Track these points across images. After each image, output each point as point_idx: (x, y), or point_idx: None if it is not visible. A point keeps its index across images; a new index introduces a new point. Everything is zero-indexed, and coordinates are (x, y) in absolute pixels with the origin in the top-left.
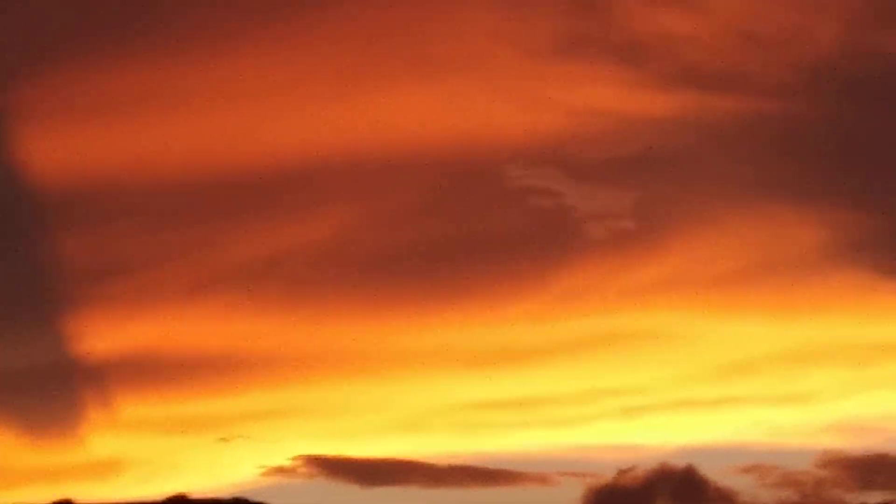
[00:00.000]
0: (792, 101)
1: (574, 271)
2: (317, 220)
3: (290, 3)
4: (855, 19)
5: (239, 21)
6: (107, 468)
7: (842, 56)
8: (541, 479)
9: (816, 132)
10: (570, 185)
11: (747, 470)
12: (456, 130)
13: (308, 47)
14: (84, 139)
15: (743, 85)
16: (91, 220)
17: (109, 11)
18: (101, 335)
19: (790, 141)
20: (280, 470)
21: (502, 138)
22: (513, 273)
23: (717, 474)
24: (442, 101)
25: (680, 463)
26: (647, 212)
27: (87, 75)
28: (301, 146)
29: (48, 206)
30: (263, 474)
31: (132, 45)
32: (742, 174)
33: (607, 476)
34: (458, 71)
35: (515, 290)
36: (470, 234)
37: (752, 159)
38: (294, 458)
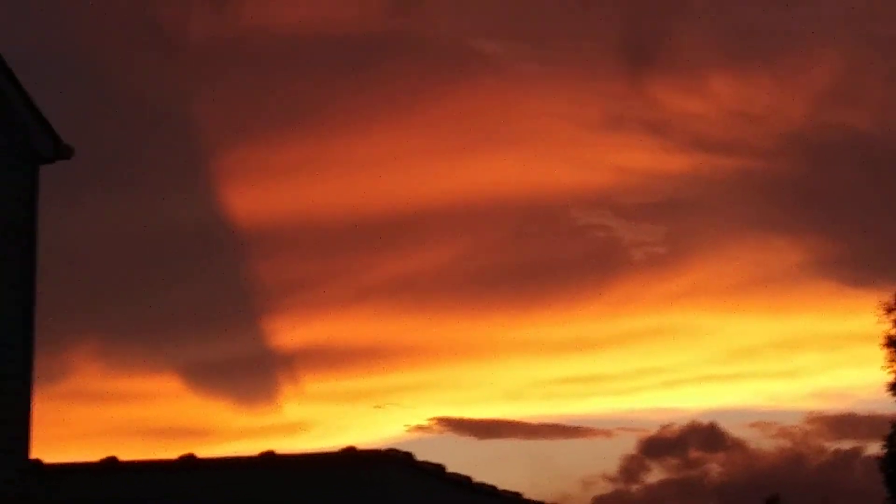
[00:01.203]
0: (774, 161)
1: (622, 284)
2: (435, 251)
3: (415, 97)
4: (820, 100)
5: (375, 108)
6: (297, 428)
7: (811, 127)
8: (605, 433)
9: (793, 183)
10: (617, 222)
11: (754, 426)
12: (531, 185)
13: (425, 127)
14: (273, 190)
15: (738, 149)
16: (279, 250)
17: (290, 101)
18: (290, 333)
19: (774, 190)
20: (420, 428)
21: (565, 190)
22: (578, 286)
23: (732, 429)
24: (519, 163)
25: (705, 421)
26: (674, 241)
27: (275, 146)
28: (422, 196)
29: (248, 240)
30: (408, 431)
31: (305, 125)
32: (740, 213)
33: (652, 431)
34: (531, 142)
35: (581, 299)
36: (545, 259)
37: (747, 203)
38: (430, 419)
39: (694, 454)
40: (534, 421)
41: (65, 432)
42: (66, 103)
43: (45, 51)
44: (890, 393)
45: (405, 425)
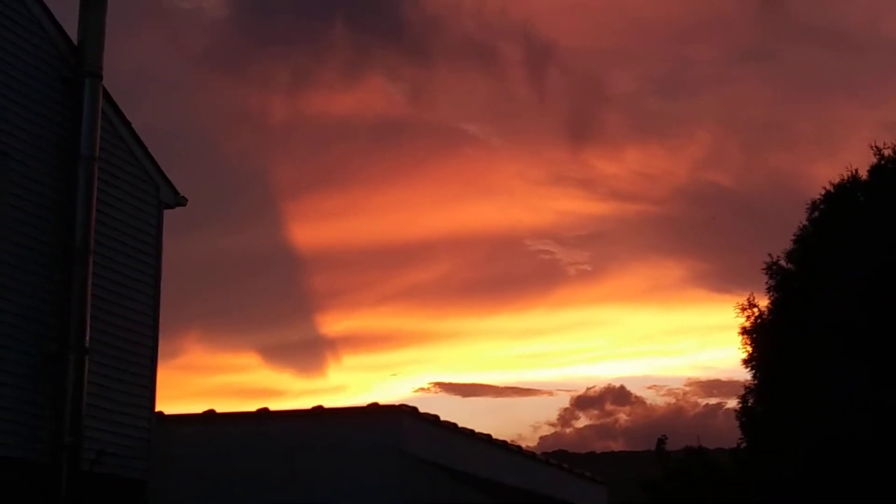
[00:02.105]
0: (666, 206)
1: (560, 291)
2: (432, 269)
3: (418, 163)
4: (696, 164)
5: (394, 173)
6: (337, 390)
7: (690, 183)
8: (548, 393)
9: (678, 221)
10: (558, 249)
11: (650, 388)
12: (497, 224)
13: (426, 185)
14: (323, 227)
15: (641, 198)
16: (327, 267)
17: (335, 164)
18: (335, 324)
19: (665, 226)
20: (422, 389)
21: (521, 227)
22: (530, 293)
23: (635, 390)
24: (489, 208)
25: (617, 385)
26: (597, 261)
27: (325, 195)
28: (424, 231)
29: (307, 261)
30: (413, 392)
31: (343, 181)
32: (642, 242)
33: (580, 391)
34: (498, 194)
35: (532, 301)
36: (507, 274)
37: (647, 235)
38: (429, 383)
39: (609, 408)
40: (500, 384)
41: (179, 392)
42: (184, 166)
43: (168, 126)
44: (744, 366)
45: (412, 387)
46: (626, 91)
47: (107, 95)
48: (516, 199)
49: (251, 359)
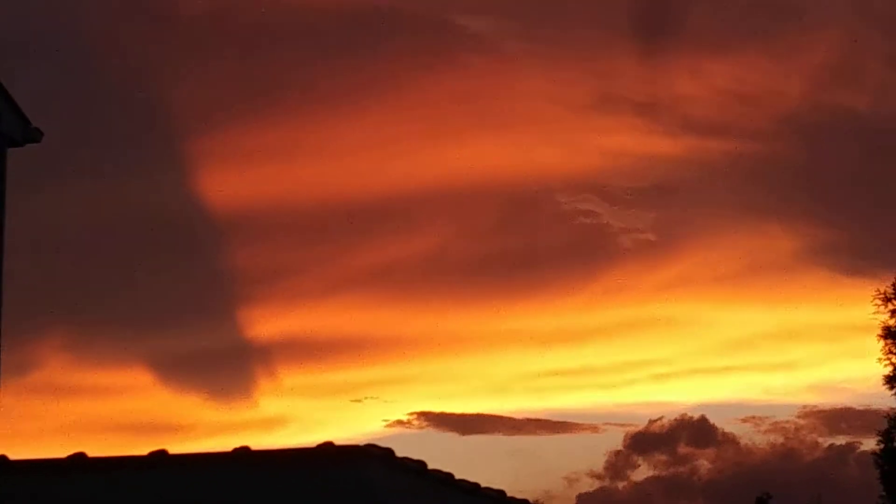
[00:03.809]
0: (767, 142)
1: (610, 273)
2: (417, 238)
3: (395, 76)
4: (817, 79)
5: (359, 91)
6: (272, 423)
7: (805, 108)
8: (592, 428)
9: (787, 167)
10: (605, 208)
11: (746, 420)
12: (518, 169)
13: (409, 109)
14: (249, 175)
15: (730, 131)
16: (253, 237)
17: (268, 81)
18: (265, 324)
19: (767, 173)
20: (399, 423)
21: (552, 174)
22: (565, 275)
23: (723, 423)
24: (506, 146)
25: (696, 415)
26: (663, 227)
27: (252, 128)
28: (404, 182)
29: (222, 227)
30: (387, 426)
31: (283, 106)
32: (733, 199)
33: (640, 425)
34: (517, 124)
35: (568, 288)
36: (531, 245)
37: (740, 188)
38: (409, 414)
39: (683, 450)
40: (518, 415)
41: (32, 427)
42: (36, 84)
43: (12, 29)
44: (887, 386)
45: (384, 420)
46: None
47: None
48: (543, 132)
49: (140, 376)
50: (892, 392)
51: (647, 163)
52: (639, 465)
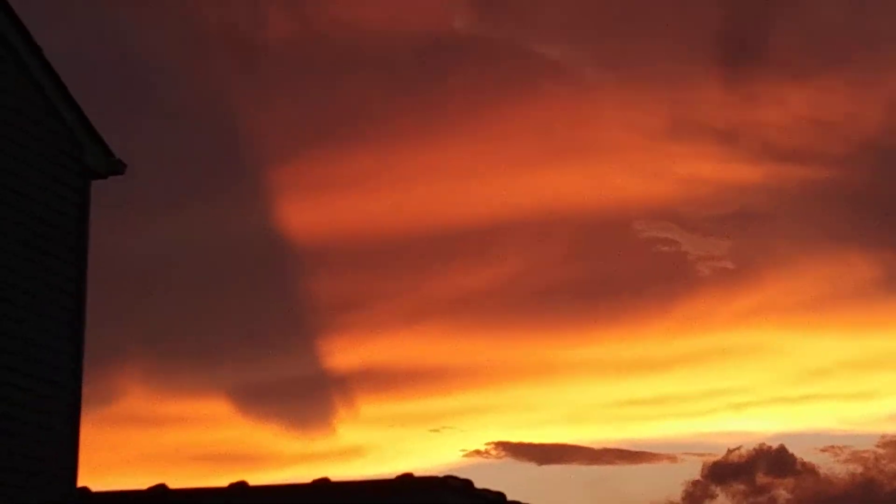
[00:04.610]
0: (846, 169)
1: (688, 301)
2: (495, 267)
3: (473, 106)
4: (893, 107)
5: (436, 120)
6: (352, 454)
7: (884, 134)
8: (670, 457)
9: (866, 193)
10: (683, 236)
11: (825, 450)
12: (595, 197)
13: (486, 139)
14: (328, 205)
15: (810, 157)
16: (332, 267)
17: (347, 111)
18: (346, 353)
19: (847, 200)
20: (477, 452)
21: (630, 201)
22: (643, 303)
23: (802, 453)
24: (583, 175)
25: (774, 444)
26: (742, 255)
27: (332, 158)
28: (481, 212)
29: (302, 257)
30: (465, 456)
31: (362, 136)
32: (812, 225)
33: (719, 455)
34: (595, 151)
35: (646, 316)
36: (608, 274)
37: (820, 214)
38: (488, 444)
39: (762, 480)
40: (596, 445)
41: (113, 458)
42: (121, 116)
43: (98, 61)
44: None
45: (462, 450)
46: None
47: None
48: (620, 160)
49: (220, 406)
50: None
51: (725, 190)
52: (717, 496)
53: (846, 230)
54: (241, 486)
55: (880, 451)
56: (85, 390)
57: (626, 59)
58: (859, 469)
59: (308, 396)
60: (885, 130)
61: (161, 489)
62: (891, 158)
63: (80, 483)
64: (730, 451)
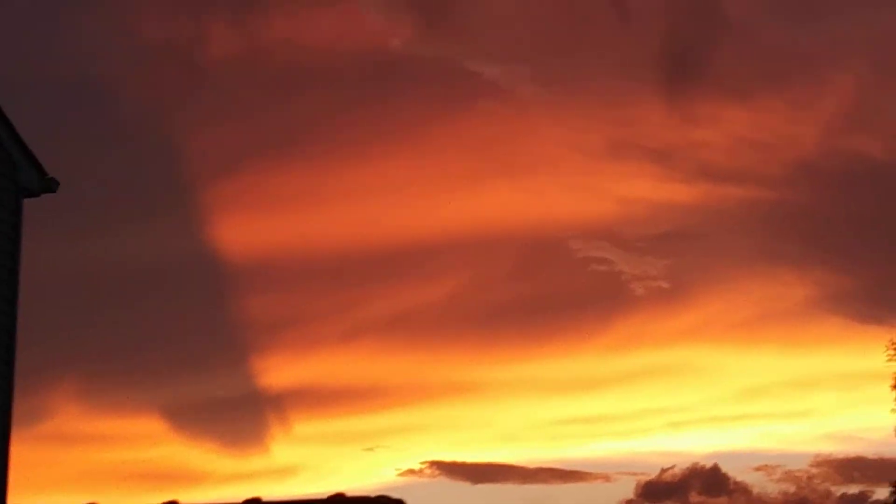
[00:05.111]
0: (782, 189)
1: (624, 320)
2: (432, 286)
3: (412, 124)
4: (832, 126)
5: (375, 137)
6: (285, 473)
7: (820, 154)
8: (604, 477)
9: (801, 213)
10: (619, 255)
11: (758, 469)
12: (533, 216)
13: (426, 156)
14: (265, 222)
15: (745, 178)
16: (269, 284)
17: (286, 127)
18: (280, 372)
19: (782, 220)
20: (411, 472)
21: (567, 220)
22: (578, 322)
23: (736, 472)
24: (521, 193)
25: (708, 463)
26: (677, 274)
27: (269, 175)
28: (418, 229)
29: (237, 274)
30: (399, 475)
31: (301, 153)
32: (747, 245)
33: (653, 474)
34: (532, 171)
35: (581, 335)
36: (544, 293)
37: (755, 234)
38: (422, 463)
39: (695, 499)
40: (531, 465)
41: (45, 476)
42: (58, 134)
43: (34, 79)
44: None
45: (396, 469)
46: (730, 15)
47: None
48: (558, 178)
49: (153, 425)
50: None
51: (661, 210)
52: None
53: (781, 250)
54: None
55: (813, 470)
56: (16, 408)
57: (565, 79)
58: (792, 488)
59: (242, 415)
60: (820, 152)
61: None
62: (826, 179)
63: (10, 502)
64: (663, 471)
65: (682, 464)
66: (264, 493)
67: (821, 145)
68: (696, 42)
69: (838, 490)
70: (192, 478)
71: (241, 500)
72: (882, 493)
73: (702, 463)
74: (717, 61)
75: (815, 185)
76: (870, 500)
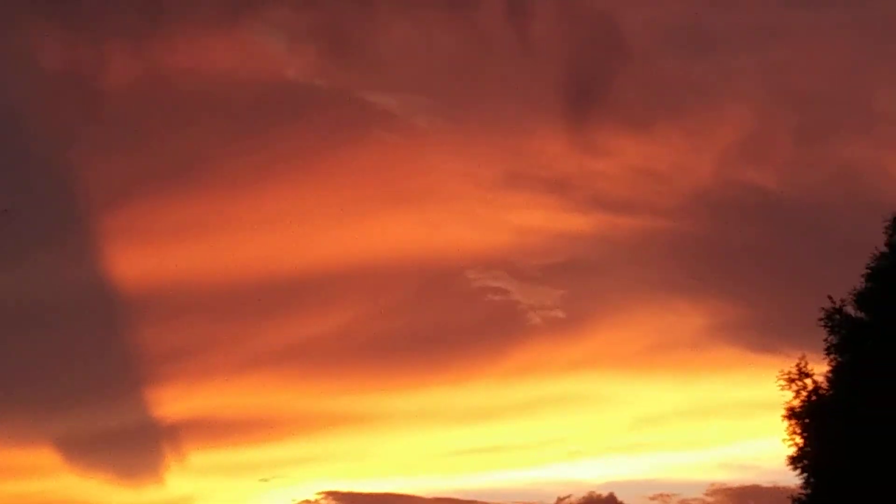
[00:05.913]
0: (677, 219)
1: (520, 350)
2: (328, 316)
3: (307, 154)
4: (727, 157)
5: (270, 167)
6: (181, 503)
7: (715, 185)
8: None
9: (697, 244)
10: (514, 285)
11: (654, 498)
12: (428, 245)
13: (321, 186)
14: (159, 253)
15: (640, 208)
16: (163, 315)
17: (180, 157)
18: (174, 402)
19: (678, 250)
20: (307, 502)
21: (462, 250)
22: (476, 351)
23: (632, 501)
24: (416, 223)
25: (604, 492)
26: (573, 304)
27: (162, 204)
28: (315, 259)
29: (132, 305)
30: None
31: (195, 182)
32: (643, 275)
33: (550, 503)
34: (428, 200)
35: (479, 365)
36: (442, 322)
37: (650, 264)
38: (318, 493)
39: None
40: (428, 495)
41: None
42: None
43: None
44: (791, 466)
45: (292, 499)
46: (628, 47)
47: None
48: (453, 209)
49: (47, 456)
50: (795, 471)
51: (557, 239)
52: None
53: (676, 280)
54: None
55: (709, 499)
56: None
57: (463, 109)
58: None
59: (137, 446)
60: (715, 182)
61: None
62: (720, 209)
63: None
64: (560, 500)
65: (578, 493)
66: None
67: (716, 175)
68: (596, 73)
69: None
70: None
71: None
72: None
73: (598, 492)
74: (615, 92)
75: (711, 215)
76: None
